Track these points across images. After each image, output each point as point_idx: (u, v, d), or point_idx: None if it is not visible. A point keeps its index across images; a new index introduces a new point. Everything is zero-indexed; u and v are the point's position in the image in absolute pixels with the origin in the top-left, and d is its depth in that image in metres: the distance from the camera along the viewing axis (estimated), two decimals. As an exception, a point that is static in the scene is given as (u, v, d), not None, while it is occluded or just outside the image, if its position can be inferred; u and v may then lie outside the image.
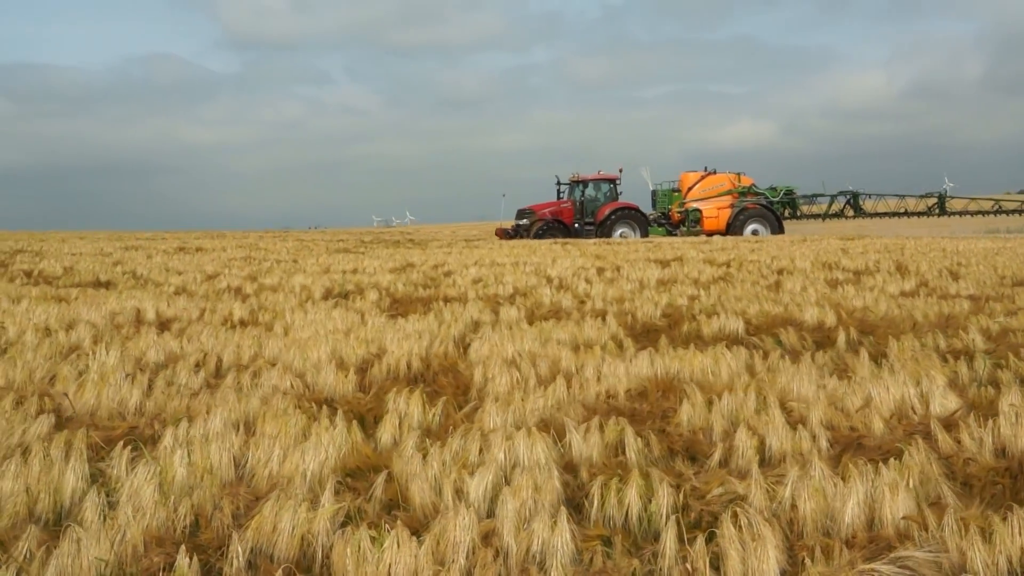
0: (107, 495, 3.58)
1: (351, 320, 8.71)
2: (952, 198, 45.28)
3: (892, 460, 3.81)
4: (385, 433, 4.56)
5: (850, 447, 4.24)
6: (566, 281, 13.28)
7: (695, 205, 41.80)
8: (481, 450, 4.11)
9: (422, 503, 3.58)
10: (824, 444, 4.28)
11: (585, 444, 4.24)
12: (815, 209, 45.25)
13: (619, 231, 40.15)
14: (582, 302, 10.34)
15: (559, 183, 42.60)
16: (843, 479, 3.56)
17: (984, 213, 44.98)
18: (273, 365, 6.18)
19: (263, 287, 12.92)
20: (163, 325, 8.58)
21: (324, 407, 4.98)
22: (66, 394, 5.26)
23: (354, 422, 4.54)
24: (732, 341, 7.18)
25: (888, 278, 12.62)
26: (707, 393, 5.07)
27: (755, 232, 40.50)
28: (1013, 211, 44.39)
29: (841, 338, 7.08)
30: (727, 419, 4.66)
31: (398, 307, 10.23)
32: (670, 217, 42.84)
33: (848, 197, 45.02)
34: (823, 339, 7.28)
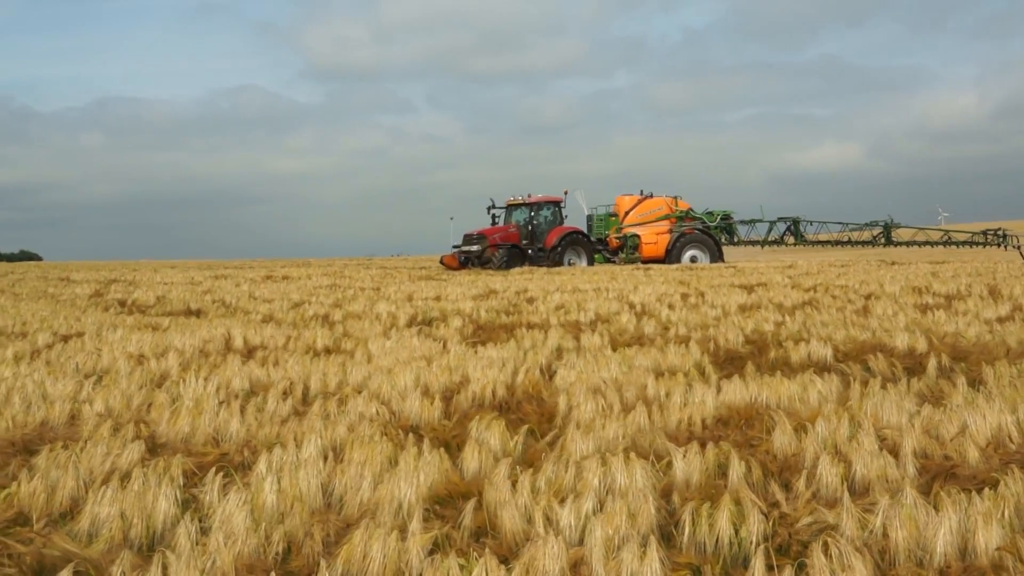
0: (199, 521, 3.65)
1: (434, 348, 8.76)
2: (899, 227, 43.06)
3: (987, 490, 3.71)
4: (472, 461, 4.57)
5: (941, 476, 4.13)
6: (649, 307, 13.19)
7: (633, 231, 39.64)
8: (572, 476, 4.10)
9: (512, 530, 3.57)
10: (915, 472, 4.19)
11: (682, 470, 4.21)
12: (754, 236, 42.80)
13: (568, 258, 37.83)
14: (665, 328, 10.25)
15: (493, 206, 39.40)
16: (935, 508, 3.47)
17: (932, 244, 43.03)
18: (359, 392, 6.25)
19: (348, 315, 13.07)
20: (250, 353, 8.74)
21: (410, 434, 5.02)
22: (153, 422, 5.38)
23: (441, 450, 4.55)
24: (820, 368, 7.05)
25: (981, 302, 12.28)
26: (796, 420, 4.98)
27: (693, 259, 38.55)
28: (964, 243, 42.81)
29: (931, 364, 6.91)
30: (818, 447, 4.57)
31: (481, 334, 10.27)
32: (607, 243, 40.41)
33: (789, 224, 42.73)
34: (914, 365, 7.10)
